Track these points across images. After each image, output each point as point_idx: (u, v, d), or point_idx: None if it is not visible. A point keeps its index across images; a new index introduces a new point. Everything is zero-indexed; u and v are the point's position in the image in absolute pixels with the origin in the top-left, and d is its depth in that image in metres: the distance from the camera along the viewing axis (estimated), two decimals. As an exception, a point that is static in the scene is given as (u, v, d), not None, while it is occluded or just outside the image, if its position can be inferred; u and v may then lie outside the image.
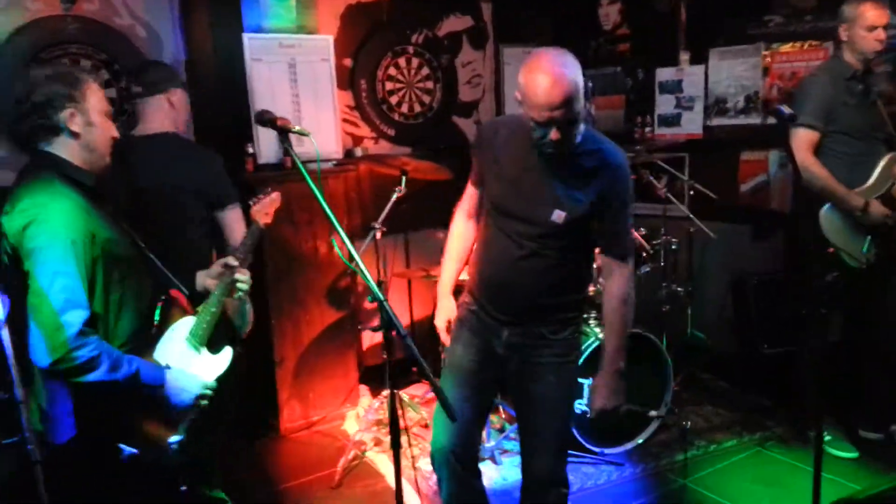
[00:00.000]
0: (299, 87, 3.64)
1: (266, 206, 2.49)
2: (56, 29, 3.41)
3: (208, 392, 1.93)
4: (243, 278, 2.19)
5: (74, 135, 1.80)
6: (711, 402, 3.89)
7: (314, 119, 3.68)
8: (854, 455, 3.16)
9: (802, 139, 2.93)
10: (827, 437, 3.18)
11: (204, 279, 2.21)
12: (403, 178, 3.38)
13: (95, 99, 1.84)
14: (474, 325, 2.23)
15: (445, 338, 2.35)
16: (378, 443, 3.56)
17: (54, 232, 1.66)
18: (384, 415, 3.61)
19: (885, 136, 3.02)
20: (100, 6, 3.53)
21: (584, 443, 3.24)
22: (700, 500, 2.96)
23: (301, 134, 1.86)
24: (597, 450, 3.28)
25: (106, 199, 1.91)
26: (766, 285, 3.80)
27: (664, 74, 4.58)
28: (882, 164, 2.95)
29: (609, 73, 4.89)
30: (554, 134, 1.88)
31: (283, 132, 1.85)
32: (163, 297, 1.98)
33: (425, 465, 3.33)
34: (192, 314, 2.08)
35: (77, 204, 1.75)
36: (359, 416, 3.87)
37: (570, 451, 3.22)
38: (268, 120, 1.87)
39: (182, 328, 2.03)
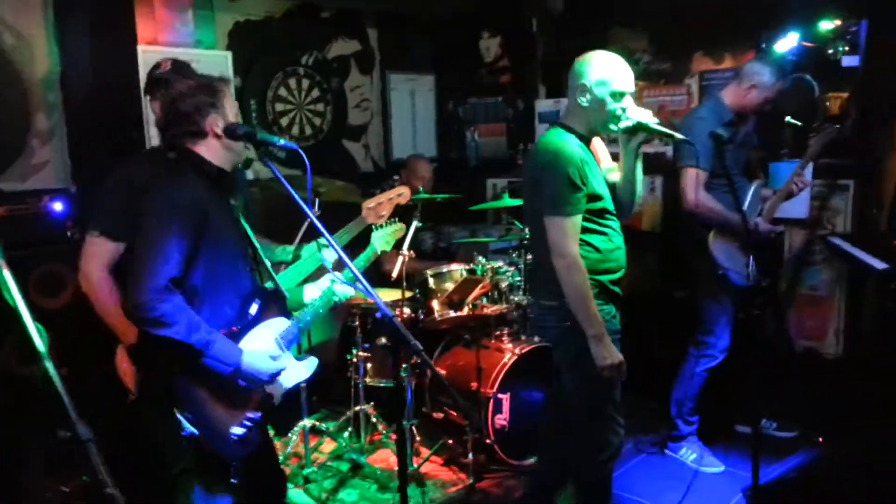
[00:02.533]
0: (198, 104, 3.45)
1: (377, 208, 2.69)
2: None
3: (278, 389, 2.07)
4: (340, 294, 2.31)
5: (217, 137, 1.97)
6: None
7: (213, 139, 3.50)
8: (720, 469, 3.39)
9: (695, 178, 3.19)
10: (693, 456, 3.44)
11: (310, 290, 2.32)
12: (317, 200, 3.31)
13: (230, 104, 2.02)
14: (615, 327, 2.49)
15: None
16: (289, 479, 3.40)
17: (167, 197, 1.89)
18: (292, 450, 3.47)
19: (746, 171, 3.47)
20: (-41, 9, 3.14)
21: (504, 457, 3.33)
22: (618, 500, 3.15)
23: (288, 147, 1.80)
24: (515, 462, 3.39)
25: (233, 192, 2.10)
26: (650, 298, 4.15)
27: (543, 105, 4.90)
28: (751, 191, 3.36)
29: (491, 102, 5.12)
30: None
31: (263, 146, 1.78)
32: (263, 295, 2.07)
33: (345, 495, 3.26)
34: (288, 317, 2.14)
35: (200, 187, 1.94)
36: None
37: (492, 468, 3.35)
38: (244, 134, 1.79)
39: (274, 326, 2.09)
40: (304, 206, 1.74)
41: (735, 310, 3.35)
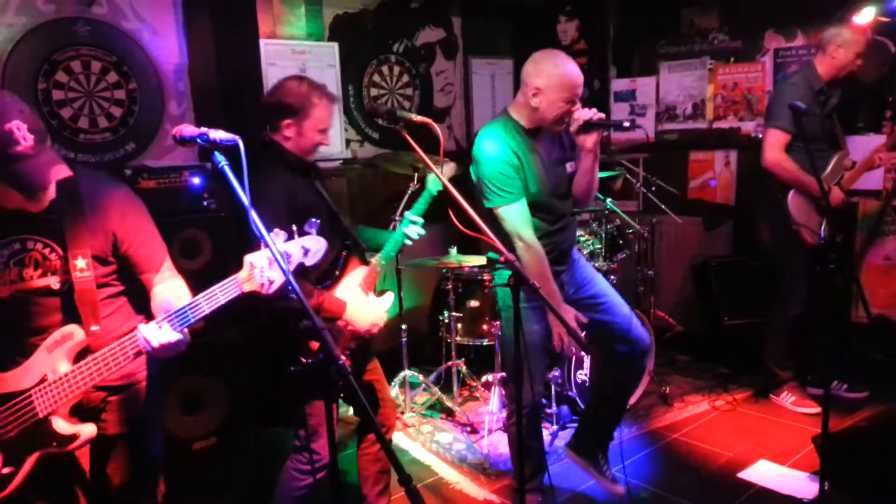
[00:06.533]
0: (309, 90, 3.84)
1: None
2: (68, 31, 3.47)
3: (377, 326, 2.44)
4: (412, 233, 2.62)
5: (286, 139, 2.34)
6: (677, 372, 4.40)
7: (322, 121, 3.89)
8: (817, 410, 3.62)
9: (777, 139, 3.46)
10: (792, 399, 3.74)
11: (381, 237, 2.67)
12: (416, 175, 3.68)
13: (317, 118, 2.31)
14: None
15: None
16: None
17: (267, 195, 2.13)
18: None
19: (831, 140, 3.63)
20: (108, 9, 3.60)
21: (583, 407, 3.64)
22: (692, 449, 3.42)
23: (425, 124, 2.12)
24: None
25: (315, 175, 2.46)
26: (724, 267, 4.36)
27: (619, 85, 5.12)
28: (834, 160, 3.57)
29: (568, 83, 5.36)
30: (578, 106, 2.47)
31: (401, 123, 2.11)
32: (345, 251, 2.41)
33: (441, 437, 3.63)
34: (365, 265, 2.51)
35: (290, 175, 2.32)
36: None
37: (571, 419, 3.64)
38: (386, 112, 2.12)
39: (357, 276, 2.45)
40: (447, 182, 2.06)
41: (809, 265, 3.57)
